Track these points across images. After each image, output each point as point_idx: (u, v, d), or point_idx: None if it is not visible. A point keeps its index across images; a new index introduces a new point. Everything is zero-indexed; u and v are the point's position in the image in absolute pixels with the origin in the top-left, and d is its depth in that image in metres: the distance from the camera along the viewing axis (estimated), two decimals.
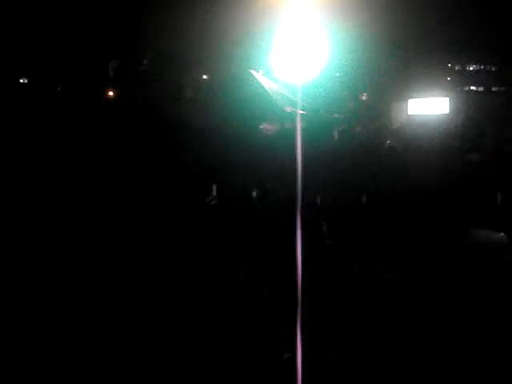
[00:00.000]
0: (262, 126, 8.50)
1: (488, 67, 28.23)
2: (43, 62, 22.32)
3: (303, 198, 3.45)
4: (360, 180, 8.38)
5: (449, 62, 26.96)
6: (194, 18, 19.90)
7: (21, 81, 24.19)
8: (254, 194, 8.90)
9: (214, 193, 8.92)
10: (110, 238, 6.61)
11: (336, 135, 8.51)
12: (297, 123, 3.68)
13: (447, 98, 18.14)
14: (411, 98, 18.41)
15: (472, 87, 27.89)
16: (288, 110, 14.59)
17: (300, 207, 3.40)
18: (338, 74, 18.91)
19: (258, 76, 17.68)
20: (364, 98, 23.09)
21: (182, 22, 19.77)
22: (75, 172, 8.65)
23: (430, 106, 17.42)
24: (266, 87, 16.63)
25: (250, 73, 17.61)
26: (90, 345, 4.26)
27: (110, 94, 24.74)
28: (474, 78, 27.84)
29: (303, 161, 3.38)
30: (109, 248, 6.25)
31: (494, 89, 27.23)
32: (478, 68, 28.60)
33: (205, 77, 23.30)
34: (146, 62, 26.25)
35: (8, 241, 6.30)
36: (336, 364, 4.11)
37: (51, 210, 7.33)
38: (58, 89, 22.82)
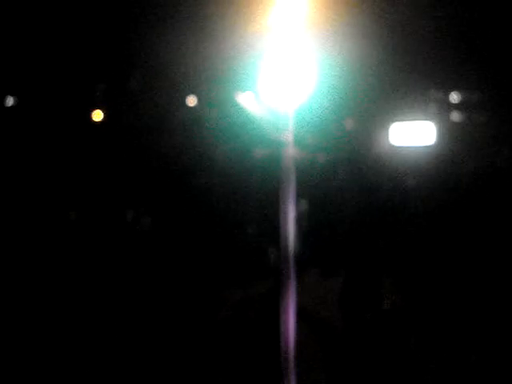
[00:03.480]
0: (249, 152, 8.54)
1: (471, 93, 28.67)
2: (30, 82, 22.26)
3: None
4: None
5: (432, 88, 27.34)
6: (182, 41, 20.03)
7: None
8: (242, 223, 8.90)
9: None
10: None
11: (323, 161, 8.57)
12: (284, 149, 3.70)
13: (431, 123, 18.34)
14: (394, 122, 18.55)
15: (455, 112, 28.28)
16: (275, 135, 14.62)
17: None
18: (324, 101, 19.08)
19: (246, 101, 17.75)
20: (350, 124, 23.28)
21: (170, 46, 19.90)
22: (62, 194, 8.60)
23: (414, 134, 17.60)
24: (253, 113, 16.68)
25: (237, 98, 17.69)
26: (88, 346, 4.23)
27: (98, 116, 24.70)
28: (458, 103, 28.23)
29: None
30: None
31: (476, 114, 27.62)
32: (461, 93, 29.03)
33: (192, 102, 23.38)
34: (133, 84, 26.32)
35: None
36: None
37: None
38: (45, 110, 22.73)
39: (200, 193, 7.97)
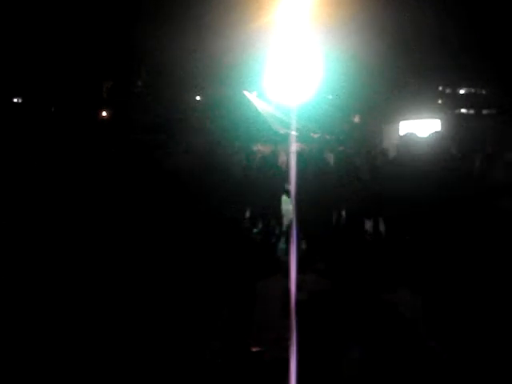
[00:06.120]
0: (255, 148, 8.55)
1: (479, 90, 28.57)
2: (37, 81, 22.37)
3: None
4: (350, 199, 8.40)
5: (440, 85, 27.28)
6: (188, 39, 20.06)
7: (15, 100, 24.26)
8: (247, 214, 8.93)
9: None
10: None
11: (328, 156, 8.58)
12: (290, 145, 3.72)
13: (438, 121, 18.28)
14: (403, 120, 18.53)
15: (463, 110, 28.19)
16: (281, 131, 14.63)
17: (293, 227, 3.42)
18: (330, 96, 19.08)
19: (252, 98, 17.80)
20: (356, 119, 23.28)
21: (177, 44, 19.94)
22: (68, 194, 8.65)
23: (421, 129, 17.56)
24: (259, 109, 16.72)
25: (243, 94, 17.73)
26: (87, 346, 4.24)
27: (104, 114, 24.83)
28: (464, 100, 28.15)
29: (296, 181, 3.41)
30: None
31: (484, 111, 27.53)
32: (468, 91, 28.95)
33: (198, 98, 23.45)
34: (139, 83, 26.41)
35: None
36: None
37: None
38: (52, 109, 22.85)
39: (206, 189, 7.99)
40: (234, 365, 4.30)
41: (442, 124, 18.02)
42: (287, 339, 3.41)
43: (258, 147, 8.81)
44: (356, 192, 7.94)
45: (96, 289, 5.72)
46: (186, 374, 4.09)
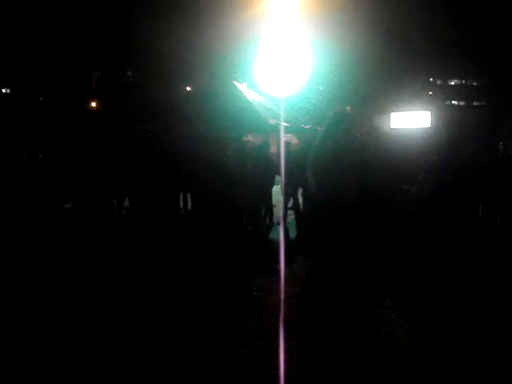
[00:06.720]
0: (245, 138, 8.50)
1: (469, 82, 28.61)
2: (26, 72, 22.17)
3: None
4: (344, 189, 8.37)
5: (431, 77, 27.29)
6: (178, 30, 19.95)
7: (3, 91, 24.05)
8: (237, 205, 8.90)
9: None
10: None
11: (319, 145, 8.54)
12: (280, 135, 3.72)
13: (429, 112, 18.29)
14: (393, 111, 18.52)
15: (453, 101, 28.23)
16: (271, 122, 14.58)
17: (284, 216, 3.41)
18: (321, 88, 19.04)
19: (243, 88, 17.72)
20: (347, 110, 23.21)
21: (167, 35, 19.81)
22: (56, 183, 8.60)
23: (412, 120, 17.57)
24: (250, 99, 16.65)
25: (234, 85, 17.65)
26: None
27: (93, 104, 24.66)
28: (455, 92, 28.19)
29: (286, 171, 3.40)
30: None
31: (475, 103, 27.59)
32: (459, 82, 28.99)
33: (188, 89, 23.32)
34: (129, 73, 26.23)
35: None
36: None
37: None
38: (40, 99, 22.67)
39: (197, 177, 7.97)
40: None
41: (432, 115, 18.03)
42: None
43: (249, 138, 8.76)
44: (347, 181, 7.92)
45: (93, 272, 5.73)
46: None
